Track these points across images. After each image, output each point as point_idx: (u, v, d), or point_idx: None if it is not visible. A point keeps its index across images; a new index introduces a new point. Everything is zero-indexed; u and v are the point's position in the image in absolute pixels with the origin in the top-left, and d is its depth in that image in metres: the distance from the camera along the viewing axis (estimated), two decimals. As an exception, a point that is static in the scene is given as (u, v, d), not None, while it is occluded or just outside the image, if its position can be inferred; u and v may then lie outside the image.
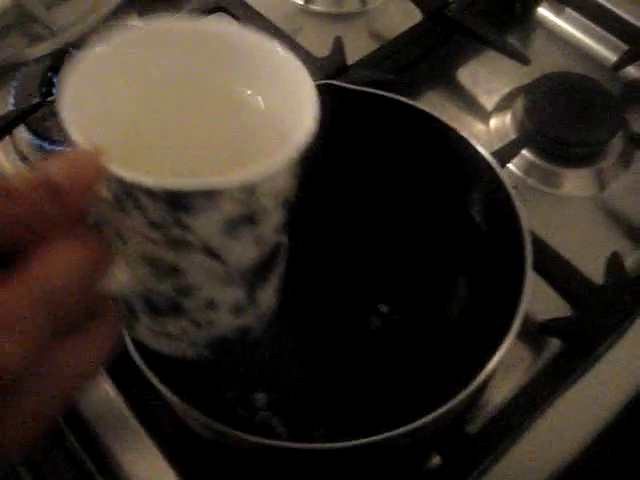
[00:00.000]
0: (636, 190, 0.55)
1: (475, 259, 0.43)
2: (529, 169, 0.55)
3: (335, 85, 0.42)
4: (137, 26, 0.27)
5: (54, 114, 0.56)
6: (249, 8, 0.61)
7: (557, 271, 0.47)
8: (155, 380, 0.33)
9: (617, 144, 0.56)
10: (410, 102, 0.42)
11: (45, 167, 0.21)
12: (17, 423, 0.21)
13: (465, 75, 0.61)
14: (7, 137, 0.57)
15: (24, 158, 0.57)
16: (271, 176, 0.23)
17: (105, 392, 0.43)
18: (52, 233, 0.21)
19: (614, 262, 0.47)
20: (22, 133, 0.57)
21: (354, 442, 0.32)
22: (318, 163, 0.29)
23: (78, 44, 0.59)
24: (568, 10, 0.65)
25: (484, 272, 0.42)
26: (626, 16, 0.62)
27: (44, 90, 0.57)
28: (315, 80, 0.45)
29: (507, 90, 0.60)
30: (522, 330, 0.46)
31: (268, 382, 0.43)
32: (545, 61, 0.61)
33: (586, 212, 0.54)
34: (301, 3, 0.67)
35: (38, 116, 0.56)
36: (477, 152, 0.39)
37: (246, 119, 0.28)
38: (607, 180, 0.55)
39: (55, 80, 0.57)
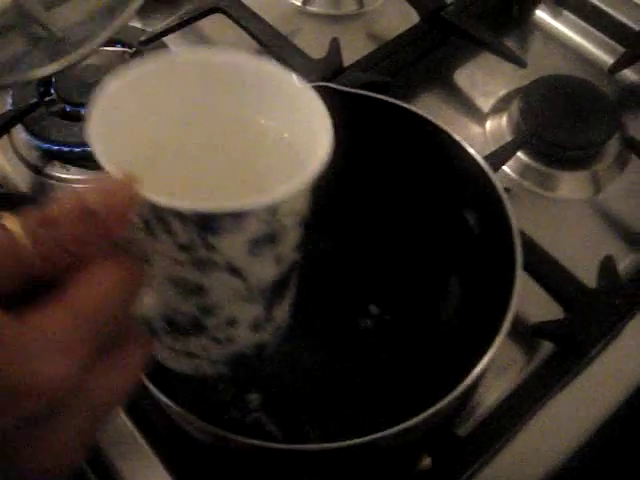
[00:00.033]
0: (631, 193, 0.55)
1: (466, 260, 0.43)
2: (525, 172, 0.55)
3: (329, 87, 0.42)
4: (159, 57, 0.28)
5: (51, 114, 0.57)
6: (246, 9, 0.61)
7: (550, 274, 0.47)
8: (149, 384, 0.33)
9: (613, 147, 0.56)
10: (404, 105, 0.42)
11: (82, 195, 0.22)
12: (64, 443, 0.22)
13: (462, 77, 0.62)
14: (5, 137, 0.57)
15: (22, 158, 0.57)
16: (291, 198, 0.25)
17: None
18: (90, 257, 0.22)
19: (607, 266, 0.47)
20: (20, 133, 0.57)
21: (345, 443, 0.33)
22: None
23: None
24: (565, 13, 0.65)
25: (475, 273, 0.42)
26: (623, 19, 0.62)
27: (41, 90, 0.57)
28: (311, 81, 0.45)
29: (504, 92, 0.60)
30: (515, 332, 0.46)
31: (261, 383, 0.43)
32: (542, 64, 0.62)
33: (581, 215, 0.54)
34: (298, 4, 0.67)
35: (35, 116, 0.56)
36: (469, 155, 0.40)
37: (262, 147, 0.29)
38: (602, 183, 0.55)
39: (52, 79, 0.57)
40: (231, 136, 0.29)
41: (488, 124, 0.59)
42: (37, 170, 0.56)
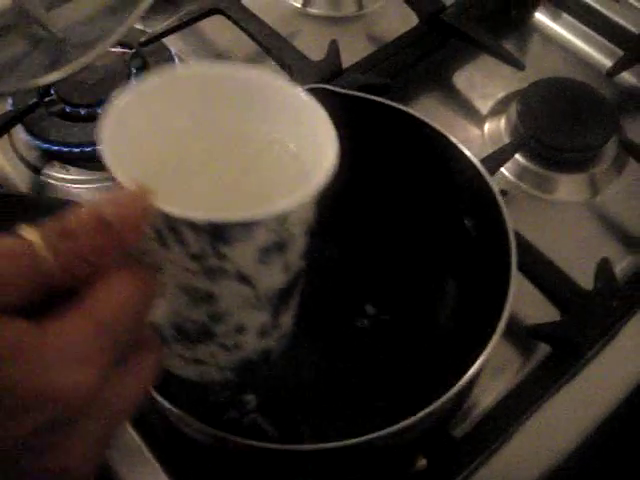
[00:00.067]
0: (629, 196, 0.55)
1: (462, 262, 0.43)
2: (523, 174, 0.56)
3: (327, 89, 0.42)
4: (165, 71, 0.29)
5: (51, 114, 0.57)
6: (246, 10, 0.61)
7: (546, 276, 0.47)
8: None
9: (611, 150, 0.56)
10: (401, 107, 0.42)
11: (97, 207, 0.23)
12: (83, 448, 0.23)
13: (460, 79, 0.62)
14: (5, 137, 0.57)
15: (21, 158, 0.57)
16: (299, 208, 0.25)
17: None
18: (107, 267, 0.23)
19: (604, 268, 0.47)
20: (20, 133, 0.57)
21: (340, 443, 0.33)
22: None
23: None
24: (564, 15, 0.65)
25: (471, 274, 0.42)
26: (622, 22, 0.62)
27: (41, 90, 0.57)
28: (309, 83, 0.45)
29: (502, 95, 0.60)
30: (511, 334, 0.46)
31: (257, 384, 0.43)
32: (541, 66, 0.62)
33: (579, 217, 0.54)
34: (298, 6, 0.67)
35: (35, 116, 0.57)
36: (466, 157, 0.40)
37: (268, 159, 0.30)
38: (600, 186, 0.55)
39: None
40: (236, 148, 0.30)
41: (486, 126, 0.59)
42: (37, 170, 0.57)
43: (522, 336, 0.46)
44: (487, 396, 0.45)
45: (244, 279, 0.26)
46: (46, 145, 0.56)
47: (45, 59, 0.57)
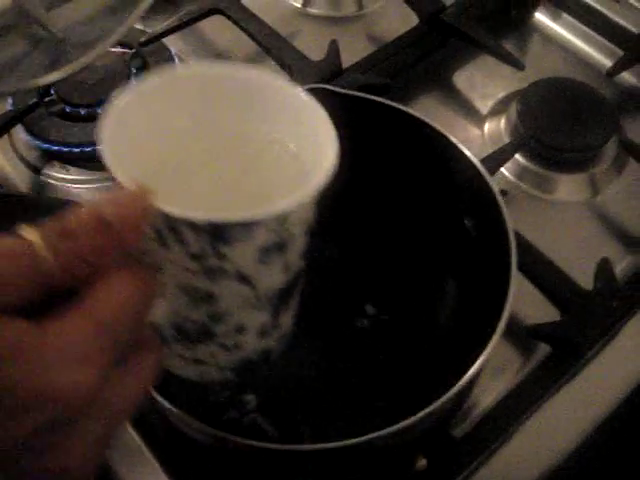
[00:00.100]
0: (629, 196, 0.55)
1: (463, 262, 0.43)
2: (523, 174, 0.56)
3: (327, 89, 0.42)
4: (165, 71, 0.29)
5: (51, 114, 0.57)
6: (246, 10, 0.61)
7: (546, 276, 0.47)
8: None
9: (611, 150, 0.56)
10: (401, 107, 0.42)
11: (97, 207, 0.23)
12: (83, 448, 0.23)
13: (461, 79, 0.62)
14: (5, 137, 0.57)
15: (21, 158, 0.58)
16: (299, 208, 0.25)
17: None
18: (106, 267, 0.23)
19: (604, 268, 0.47)
20: (20, 133, 0.57)
21: (340, 443, 0.33)
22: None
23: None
24: (565, 15, 0.65)
25: (471, 274, 0.42)
26: (622, 22, 0.62)
27: (41, 90, 0.57)
28: (309, 83, 0.45)
29: (502, 95, 0.60)
30: (511, 334, 0.46)
31: (257, 384, 0.43)
32: (541, 66, 0.62)
33: (579, 217, 0.54)
34: (298, 6, 0.67)
35: (35, 116, 0.57)
36: (466, 157, 0.40)
37: (268, 159, 0.30)
38: (600, 186, 0.55)
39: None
40: (236, 148, 0.30)
41: (486, 126, 0.59)
42: (37, 170, 0.57)
43: (522, 336, 0.46)
44: (487, 396, 0.45)
45: (244, 279, 0.26)
46: (46, 145, 0.56)
47: (45, 59, 0.57)
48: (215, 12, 0.61)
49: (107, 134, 0.25)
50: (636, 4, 0.63)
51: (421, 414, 0.33)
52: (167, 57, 0.61)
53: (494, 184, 0.38)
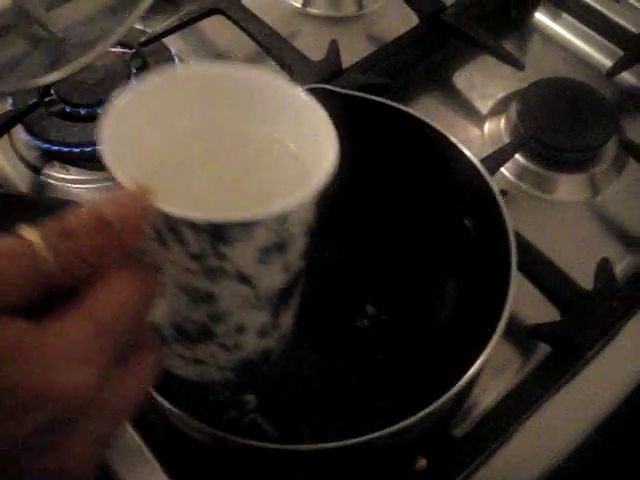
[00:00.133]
0: (629, 196, 0.55)
1: (463, 262, 0.43)
2: (523, 174, 0.56)
3: (326, 89, 0.42)
4: (165, 71, 0.29)
5: (51, 114, 0.57)
6: (246, 10, 0.61)
7: (546, 276, 0.47)
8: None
9: (611, 150, 0.56)
10: (401, 107, 0.42)
11: (97, 207, 0.23)
12: (83, 448, 0.23)
13: (461, 79, 0.62)
14: (5, 137, 0.57)
15: (21, 158, 0.58)
16: (299, 208, 0.26)
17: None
18: (106, 267, 0.23)
19: (604, 268, 0.47)
20: (20, 133, 0.57)
21: (340, 443, 0.33)
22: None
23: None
24: (565, 15, 0.65)
25: (471, 274, 0.42)
26: (622, 22, 0.62)
27: (41, 90, 0.57)
28: (309, 83, 0.45)
29: (502, 95, 0.60)
30: (511, 334, 0.46)
31: (257, 384, 0.43)
32: (541, 66, 0.62)
33: (579, 217, 0.54)
34: (298, 6, 0.67)
35: (35, 116, 0.57)
36: (466, 157, 0.40)
37: (268, 159, 0.30)
38: (600, 186, 0.55)
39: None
40: (236, 148, 0.30)
41: (486, 126, 0.59)
42: (37, 170, 0.57)
43: (522, 336, 0.46)
44: (487, 396, 0.45)
45: (244, 279, 0.26)
46: (46, 145, 0.56)
47: (45, 59, 0.57)
48: (215, 12, 0.61)
49: (107, 134, 0.25)
50: (636, 4, 0.63)
51: (421, 414, 0.33)
52: (167, 57, 0.61)
53: (494, 184, 0.38)
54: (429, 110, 0.59)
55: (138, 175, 0.24)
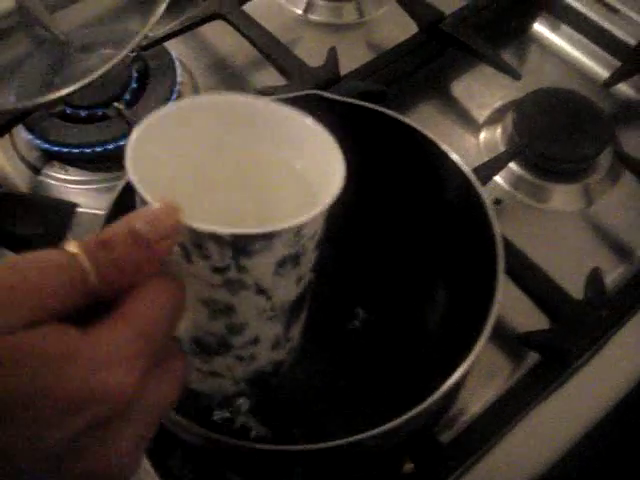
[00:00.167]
0: (623, 206, 0.55)
1: (452, 267, 0.43)
2: (517, 183, 0.56)
3: (318, 95, 0.43)
4: (186, 100, 0.31)
5: (52, 115, 0.57)
6: (247, 17, 0.62)
7: (538, 284, 0.47)
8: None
9: (605, 160, 0.56)
10: (392, 114, 0.42)
11: (131, 221, 0.25)
12: (124, 447, 0.24)
13: (458, 88, 0.62)
14: (6, 136, 0.58)
15: (22, 158, 0.58)
16: (313, 222, 0.27)
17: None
18: (140, 278, 0.25)
19: (594, 278, 0.47)
20: (21, 133, 0.58)
21: (329, 444, 0.33)
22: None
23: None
24: (563, 26, 0.65)
25: (460, 279, 0.42)
26: (620, 33, 0.63)
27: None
28: (307, 89, 0.45)
29: (499, 104, 0.61)
30: (501, 341, 0.47)
31: (268, 395, 0.43)
32: (539, 76, 0.62)
33: (572, 227, 0.54)
34: (299, 13, 0.68)
35: (36, 116, 0.57)
36: (455, 164, 0.40)
37: (278, 180, 0.32)
38: (594, 196, 0.55)
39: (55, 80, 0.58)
40: (247, 171, 0.32)
41: (482, 135, 0.59)
42: (37, 170, 0.57)
43: (512, 343, 0.46)
44: (475, 402, 0.45)
45: (261, 291, 0.28)
46: (46, 145, 0.56)
47: (48, 61, 0.57)
48: (216, 17, 0.62)
49: (132, 159, 0.27)
50: (634, 16, 0.63)
51: (407, 416, 0.33)
52: (168, 61, 0.61)
53: (482, 190, 0.39)
54: (426, 118, 0.60)
55: (157, 193, 0.26)
